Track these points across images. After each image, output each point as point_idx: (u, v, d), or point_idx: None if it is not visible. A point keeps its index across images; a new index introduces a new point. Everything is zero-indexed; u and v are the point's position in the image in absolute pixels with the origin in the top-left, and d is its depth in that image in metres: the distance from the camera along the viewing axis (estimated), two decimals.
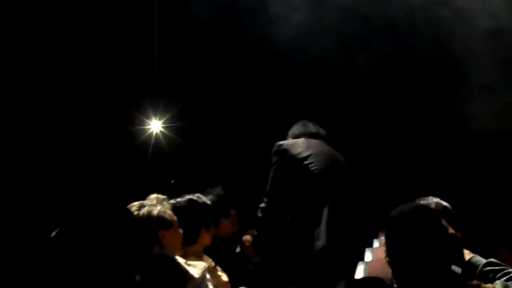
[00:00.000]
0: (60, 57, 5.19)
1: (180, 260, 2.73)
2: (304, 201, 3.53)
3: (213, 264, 3.31)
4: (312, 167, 3.58)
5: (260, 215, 3.64)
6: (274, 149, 3.68)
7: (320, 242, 3.38)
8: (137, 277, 1.91)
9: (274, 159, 3.66)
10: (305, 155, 3.62)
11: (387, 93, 5.17)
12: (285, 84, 5.30)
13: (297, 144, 3.70)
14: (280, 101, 5.28)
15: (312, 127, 3.87)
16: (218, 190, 3.78)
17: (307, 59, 5.14)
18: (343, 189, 3.58)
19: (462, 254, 2.56)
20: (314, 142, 3.75)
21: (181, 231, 2.92)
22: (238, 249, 3.88)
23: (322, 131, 3.88)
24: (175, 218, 2.90)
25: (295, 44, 5.02)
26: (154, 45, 4.79)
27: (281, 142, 3.72)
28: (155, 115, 5.28)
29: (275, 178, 3.64)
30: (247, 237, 3.80)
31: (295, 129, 3.89)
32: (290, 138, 3.83)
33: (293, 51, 5.10)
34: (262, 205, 3.63)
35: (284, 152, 3.64)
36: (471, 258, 2.56)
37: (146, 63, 4.92)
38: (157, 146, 5.25)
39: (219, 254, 3.40)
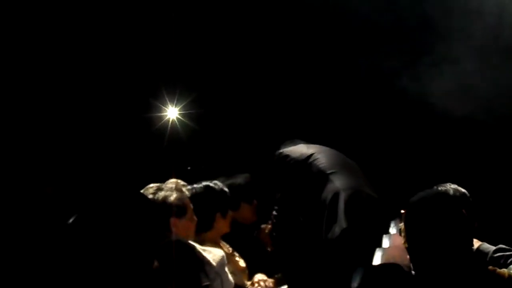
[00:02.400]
0: (76, 43, 5.20)
1: (197, 246, 2.74)
2: (317, 197, 3.53)
3: (230, 250, 3.33)
4: (318, 163, 3.57)
5: (275, 221, 3.69)
6: (275, 158, 3.68)
7: (338, 228, 3.38)
8: (155, 263, 1.92)
9: (277, 168, 3.66)
10: (308, 154, 3.62)
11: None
12: (303, 72, 5.25)
13: (297, 148, 3.70)
14: (300, 89, 5.23)
15: (301, 141, 3.84)
16: (246, 176, 3.80)
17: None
18: (354, 180, 3.57)
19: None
20: (312, 145, 3.75)
21: (195, 218, 2.92)
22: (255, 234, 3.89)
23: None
24: (191, 206, 2.90)
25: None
26: (170, 30, 4.78)
27: (280, 150, 3.71)
28: (172, 101, 5.28)
29: (282, 186, 3.65)
30: (267, 226, 3.81)
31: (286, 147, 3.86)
32: None
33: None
34: (274, 213, 3.68)
35: (285, 158, 3.65)
36: (479, 246, 2.56)
37: (163, 49, 4.91)
38: (173, 133, 5.25)
39: (237, 241, 3.41)
